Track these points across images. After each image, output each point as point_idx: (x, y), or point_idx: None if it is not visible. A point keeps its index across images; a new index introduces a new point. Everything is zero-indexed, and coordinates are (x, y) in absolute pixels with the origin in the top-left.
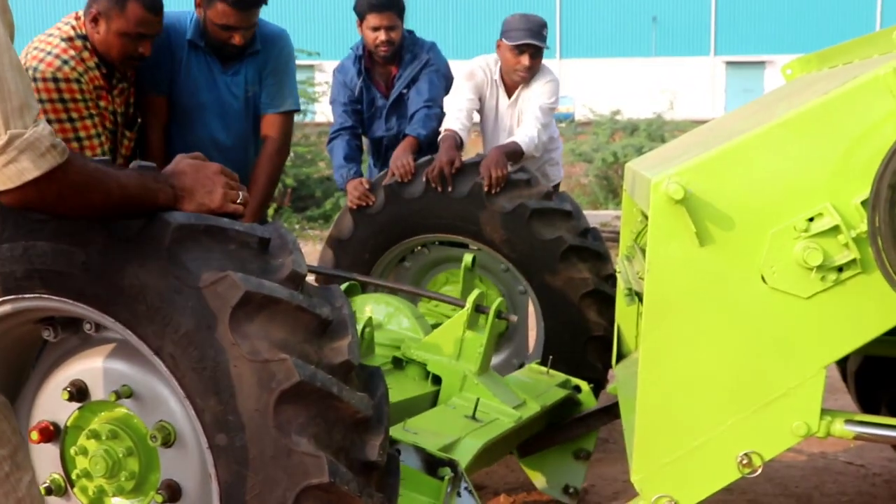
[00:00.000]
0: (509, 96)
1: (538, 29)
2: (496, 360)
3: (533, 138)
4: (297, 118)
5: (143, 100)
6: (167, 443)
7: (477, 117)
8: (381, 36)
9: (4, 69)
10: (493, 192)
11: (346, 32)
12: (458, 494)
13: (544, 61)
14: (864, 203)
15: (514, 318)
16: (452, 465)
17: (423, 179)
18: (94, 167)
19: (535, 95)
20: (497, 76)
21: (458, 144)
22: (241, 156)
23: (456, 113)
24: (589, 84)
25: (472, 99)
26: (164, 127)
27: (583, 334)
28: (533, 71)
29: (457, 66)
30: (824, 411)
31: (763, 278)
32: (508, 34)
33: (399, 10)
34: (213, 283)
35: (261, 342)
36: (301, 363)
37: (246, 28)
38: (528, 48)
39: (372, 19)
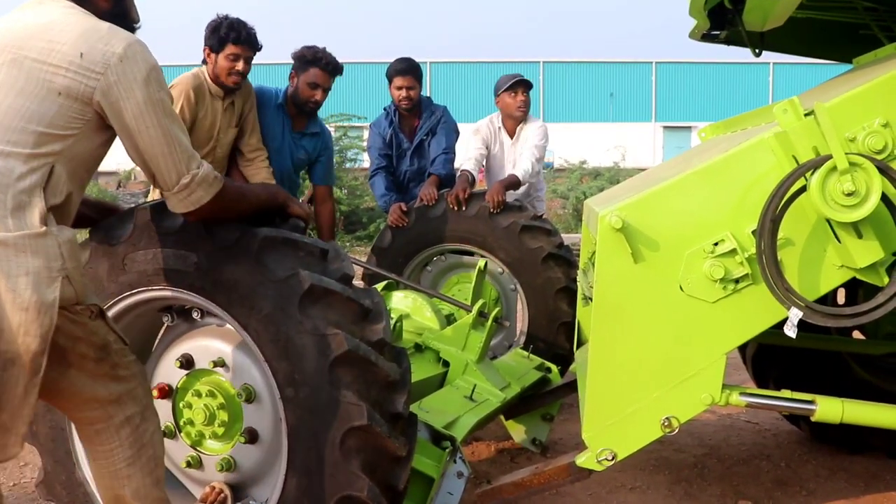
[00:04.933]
0: (511, 137)
1: (522, 77)
2: (493, 341)
3: (527, 170)
4: (350, 164)
5: None
6: (249, 399)
7: (484, 161)
8: (403, 93)
9: (178, 132)
10: (494, 212)
11: (381, 101)
12: (454, 462)
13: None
14: (754, 232)
15: (507, 323)
16: (452, 440)
17: (444, 204)
18: (238, 186)
19: (531, 135)
20: (499, 125)
21: (470, 180)
22: (287, 185)
23: (469, 160)
24: (564, 141)
25: (480, 148)
26: None
27: (556, 321)
28: (528, 104)
29: (460, 126)
30: (724, 386)
31: (681, 287)
32: (503, 85)
33: (417, 75)
34: (287, 278)
35: (320, 321)
36: (349, 337)
37: (325, 89)
38: (520, 85)
39: (397, 81)
